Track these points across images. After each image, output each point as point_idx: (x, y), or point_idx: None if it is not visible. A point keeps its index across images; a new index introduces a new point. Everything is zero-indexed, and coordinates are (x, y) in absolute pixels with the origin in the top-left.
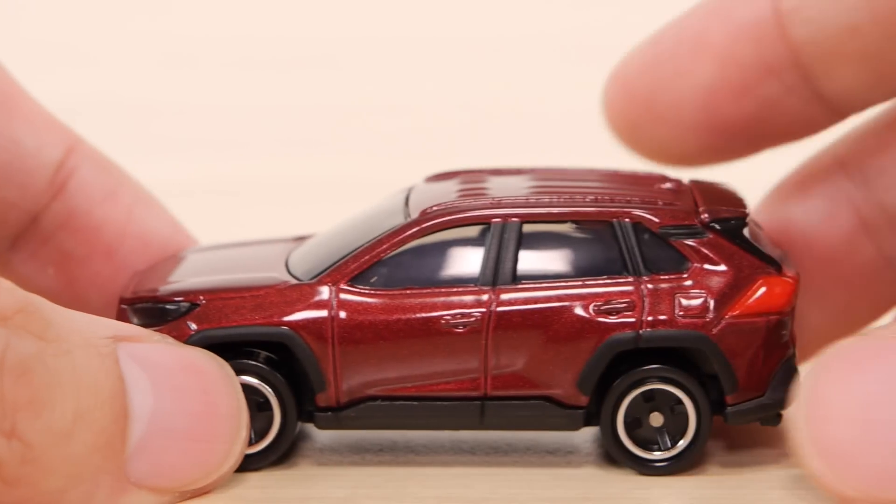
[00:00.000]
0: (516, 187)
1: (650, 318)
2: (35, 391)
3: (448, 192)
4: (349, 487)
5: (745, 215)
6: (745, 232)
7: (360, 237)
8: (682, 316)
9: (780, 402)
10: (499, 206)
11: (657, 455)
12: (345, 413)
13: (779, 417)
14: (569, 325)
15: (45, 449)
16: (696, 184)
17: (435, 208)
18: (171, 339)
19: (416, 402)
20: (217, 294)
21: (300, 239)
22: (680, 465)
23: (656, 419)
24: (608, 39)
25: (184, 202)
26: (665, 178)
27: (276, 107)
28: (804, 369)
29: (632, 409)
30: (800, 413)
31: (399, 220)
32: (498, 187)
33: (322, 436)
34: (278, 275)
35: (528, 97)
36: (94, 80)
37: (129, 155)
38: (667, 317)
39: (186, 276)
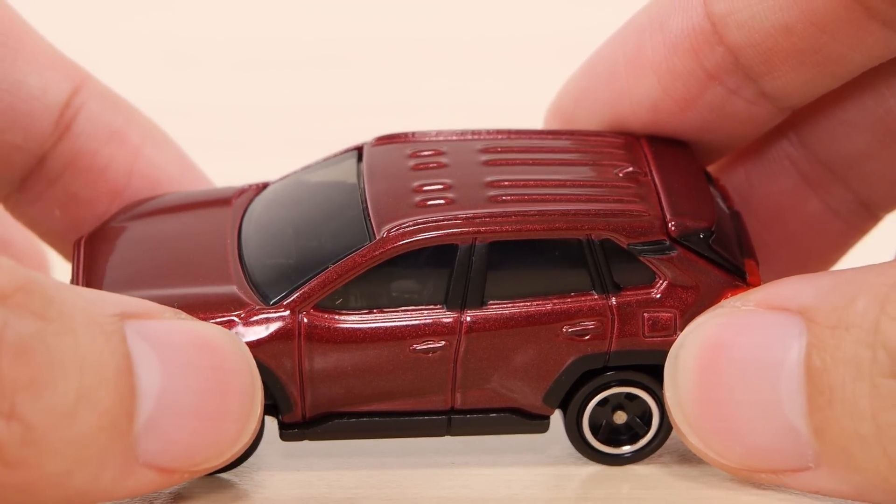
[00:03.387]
0: (475, 184)
1: (618, 337)
2: (35, 371)
3: (406, 189)
4: (349, 487)
5: (713, 226)
6: (712, 243)
7: (319, 244)
8: (649, 334)
9: None
10: (465, 225)
11: (625, 449)
12: (311, 428)
13: None
14: (537, 346)
15: (46, 430)
16: (658, 165)
17: (400, 229)
18: (183, 315)
19: (382, 418)
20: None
21: (244, 193)
22: (645, 453)
23: (620, 417)
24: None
25: None
26: (623, 153)
27: (276, 107)
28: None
29: (596, 414)
30: (670, 391)
31: (362, 237)
32: (456, 183)
33: None
34: (237, 288)
35: (528, 97)
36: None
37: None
38: (635, 335)
39: (134, 282)
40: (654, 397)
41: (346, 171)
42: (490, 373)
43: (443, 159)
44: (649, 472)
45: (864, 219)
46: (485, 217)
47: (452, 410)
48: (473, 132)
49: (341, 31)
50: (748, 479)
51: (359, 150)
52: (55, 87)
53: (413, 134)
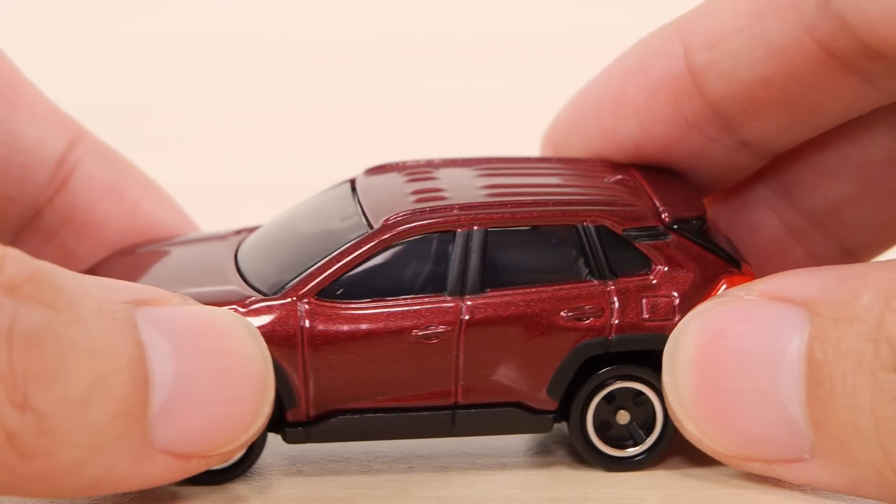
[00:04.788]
0: (470, 187)
1: (618, 323)
2: (46, 361)
3: (402, 193)
4: (349, 487)
5: (705, 214)
6: (704, 231)
7: (317, 243)
8: (649, 319)
9: None
10: (462, 212)
11: (631, 451)
12: (315, 427)
13: None
14: (538, 332)
15: (60, 419)
16: (647, 177)
17: (398, 217)
18: (192, 301)
19: (386, 414)
20: None
21: (240, 233)
22: (653, 457)
23: (623, 417)
24: (608, 40)
25: (184, 202)
26: (611, 169)
27: (276, 107)
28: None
29: (600, 412)
30: (668, 377)
31: (361, 229)
32: (451, 187)
33: None
34: (237, 287)
35: (528, 97)
36: (94, 80)
37: (128, 155)
38: (634, 320)
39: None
40: (658, 395)
41: (341, 194)
42: (492, 362)
43: (437, 174)
44: (650, 472)
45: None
46: (481, 205)
47: (456, 406)
48: (465, 159)
49: (341, 31)
50: (740, 468)
51: (351, 182)
52: (52, 140)
53: (405, 162)
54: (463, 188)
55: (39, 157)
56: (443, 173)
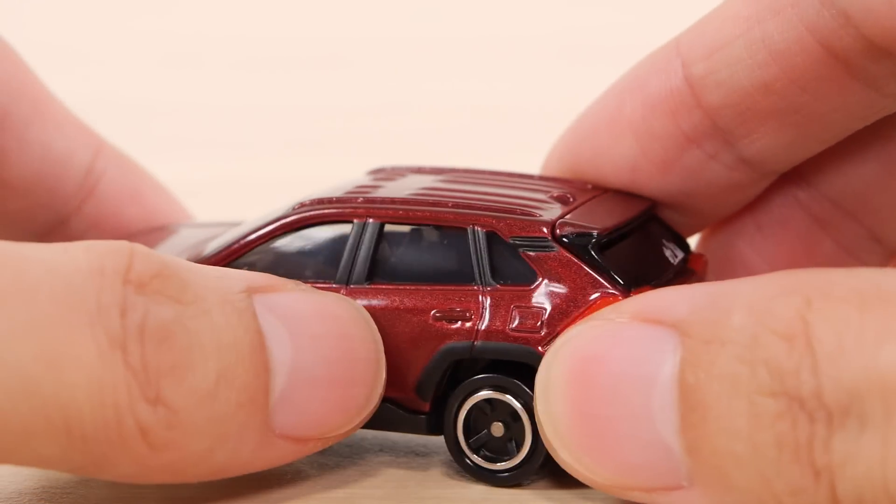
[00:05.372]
0: (407, 187)
1: (484, 329)
2: (177, 355)
3: (344, 187)
4: (349, 487)
5: (594, 232)
6: (595, 248)
7: (251, 225)
8: (515, 329)
9: None
10: (362, 205)
11: (497, 466)
12: None
13: None
14: (409, 328)
15: (190, 412)
16: (599, 197)
17: (305, 204)
18: (304, 286)
19: None
20: None
21: (233, 224)
22: (523, 475)
23: (498, 429)
24: (607, 40)
25: (185, 202)
26: (572, 188)
27: (277, 107)
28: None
29: (472, 420)
30: (541, 403)
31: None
32: (394, 187)
33: None
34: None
35: (527, 97)
36: (95, 80)
37: (130, 155)
38: (500, 328)
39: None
40: (526, 408)
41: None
42: None
43: (405, 176)
44: None
45: (878, 255)
46: (382, 200)
47: None
48: (450, 168)
49: (341, 31)
50: (621, 496)
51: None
52: (80, 152)
53: (401, 167)
54: (400, 188)
55: (69, 168)
56: (411, 177)
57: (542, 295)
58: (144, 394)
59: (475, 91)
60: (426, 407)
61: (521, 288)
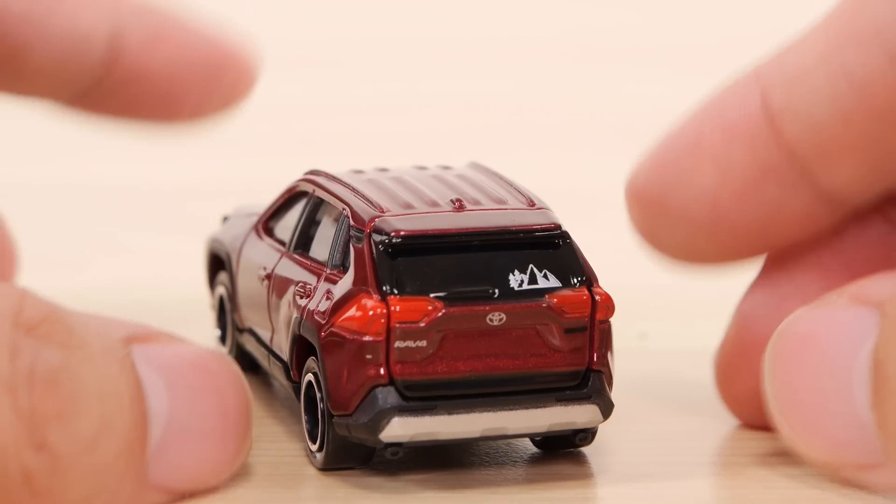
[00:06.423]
0: (358, 177)
1: (309, 308)
2: (63, 401)
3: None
4: (349, 487)
5: (397, 236)
6: (387, 249)
7: None
8: (317, 312)
9: (369, 427)
10: (316, 178)
11: (312, 447)
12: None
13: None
14: (286, 299)
15: (72, 459)
16: (498, 212)
17: (302, 176)
18: (178, 337)
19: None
20: None
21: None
22: (323, 462)
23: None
24: (611, 41)
25: (185, 202)
26: (496, 198)
27: (276, 107)
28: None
29: (306, 399)
30: (766, 383)
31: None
32: (369, 173)
33: None
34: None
35: (528, 97)
36: None
37: (131, 156)
38: (313, 309)
39: None
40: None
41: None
42: (275, 318)
43: (372, 170)
44: (651, 472)
45: None
46: (325, 175)
47: (270, 350)
48: (415, 168)
49: (342, 32)
50: (836, 473)
51: None
52: (99, 25)
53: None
54: (356, 176)
55: (91, 45)
56: (379, 172)
57: (342, 284)
58: (31, 439)
59: (475, 91)
60: (296, 377)
61: (339, 275)
